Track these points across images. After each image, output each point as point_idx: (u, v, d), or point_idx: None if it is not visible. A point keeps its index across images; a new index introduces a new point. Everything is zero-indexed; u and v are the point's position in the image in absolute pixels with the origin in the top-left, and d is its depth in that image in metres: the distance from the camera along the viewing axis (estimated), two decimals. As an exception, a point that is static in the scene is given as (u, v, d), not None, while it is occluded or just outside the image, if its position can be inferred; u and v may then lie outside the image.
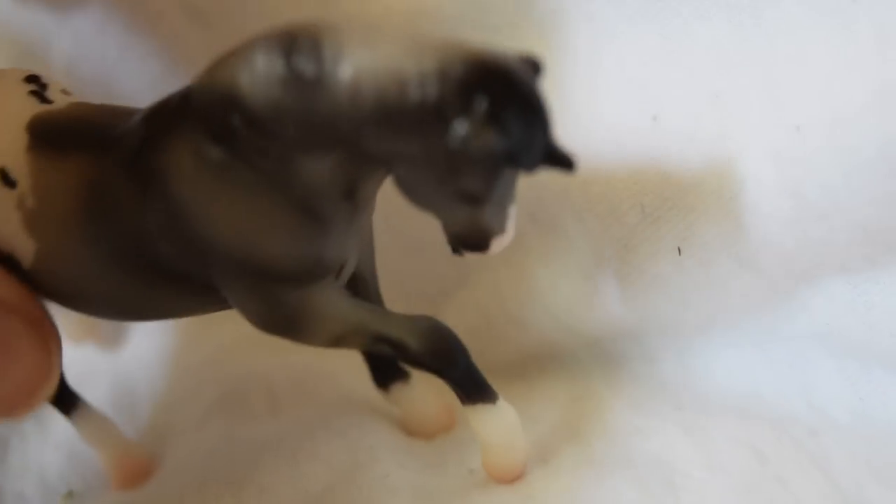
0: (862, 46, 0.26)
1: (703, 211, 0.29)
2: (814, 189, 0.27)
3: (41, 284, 0.26)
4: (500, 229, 0.23)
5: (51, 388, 0.27)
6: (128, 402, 0.37)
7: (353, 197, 0.24)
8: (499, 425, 0.26)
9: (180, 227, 0.23)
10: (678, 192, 0.29)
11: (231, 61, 0.22)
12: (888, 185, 0.26)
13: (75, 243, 0.25)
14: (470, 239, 0.23)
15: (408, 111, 0.20)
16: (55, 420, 0.36)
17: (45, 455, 0.35)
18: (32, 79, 0.28)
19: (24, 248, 0.26)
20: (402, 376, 0.30)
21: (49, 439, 0.35)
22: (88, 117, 0.26)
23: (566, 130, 0.31)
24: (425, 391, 0.31)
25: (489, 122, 0.20)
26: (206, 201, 0.23)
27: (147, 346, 0.39)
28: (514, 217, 0.23)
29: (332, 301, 0.24)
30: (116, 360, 0.39)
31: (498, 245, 0.23)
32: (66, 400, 0.31)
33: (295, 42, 0.21)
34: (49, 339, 0.27)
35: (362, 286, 0.28)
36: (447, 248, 0.33)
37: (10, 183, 0.26)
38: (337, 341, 0.25)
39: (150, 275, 0.25)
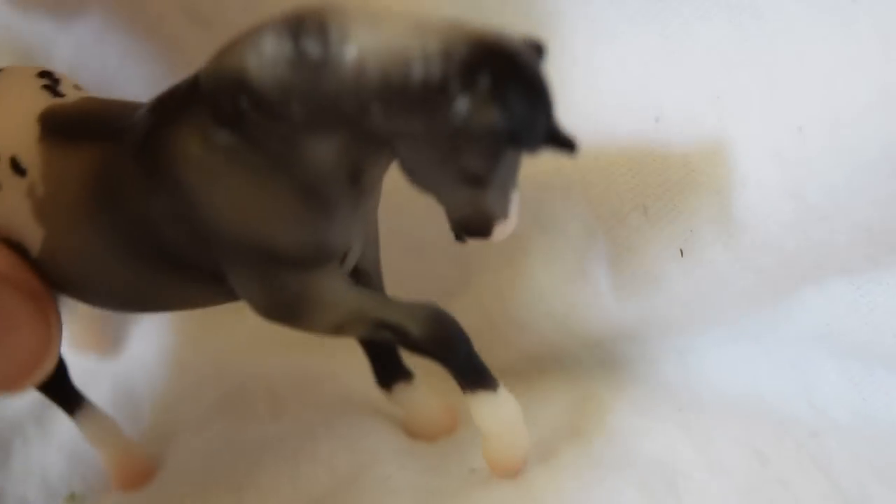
0: (863, 46, 0.26)
1: (705, 212, 0.28)
2: (815, 190, 0.27)
3: (48, 274, 0.27)
4: (503, 214, 0.23)
5: (51, 360, 0.27)
6: (129, 403, 0.37)
7: (358, 182, 0.24)
8: (499, 414, 0.26)
9: (187, 213, 0.24)
10: (680, 193, 0.29)
11: (239, 46, 0.22)
12: (890, 185, 0.26)
13: (83, 231, 0.26)
14: (473, 224, 0.23)
15: (411, 89, 0.20)
16: (57, 423, 0.36)
17: (48, 458, 0.35)
18: (45, 74, 0.28)
19: (33, 235, 0.26)
20: (405, 376, 0.30)
21: (51, 442, 0.35)
22: (99, 109, 0.27)
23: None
24: (428, 392, 0.31)
25: (491, 98, 0.20)
26: (212, 185, 0.23)
27: (148, 348, 0.39)
28: (516, 203, 0.23)
29: (334, 287, 0.25)
30: (118, 362, 0.40)
31: (501, 231, 0.23)
32: (71, 399, 0.32)
33: (302, 24, 0.21)
34: (48, 312, 0.27)
35: (366, 280, 0.28)
36: (449, 250, 0.33)
37: (21, 171, 0.26)
38: (339, 328, 0.25)
39: (156, 263, 0.25)
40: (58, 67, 0.30)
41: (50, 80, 0.28)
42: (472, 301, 0.33)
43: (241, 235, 0.23)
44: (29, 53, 0.37)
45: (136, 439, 0.33)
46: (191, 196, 0.23)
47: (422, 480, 0.29)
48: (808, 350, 0.31)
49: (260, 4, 0.31)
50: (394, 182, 0.30)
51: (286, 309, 0.25)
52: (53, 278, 0.27)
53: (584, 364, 0.33)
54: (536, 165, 0.31)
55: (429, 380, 0.31)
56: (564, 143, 0.21)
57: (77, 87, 0.29)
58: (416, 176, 0.23)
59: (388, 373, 0.30)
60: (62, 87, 0.28)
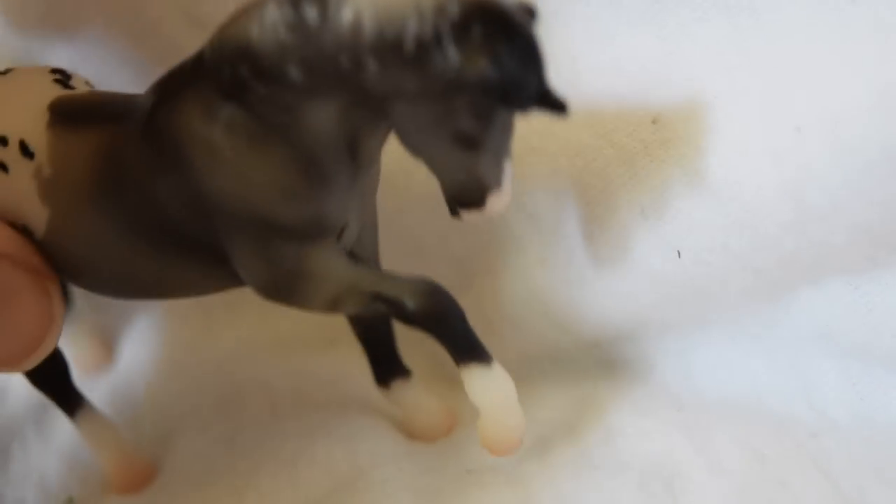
0: (862, 46, 0.26)
1: (703, 212, 0.28)
2: (813, 190, 0.27)
3: (52, 257, 0.27)
4: (497, 183, 0.23)
5: (53, 338, 0.27)
6: (128, 407, 0.37)
7: (356, 153, 0.24)
8: (493, 388, 0.25)
9: (189, 187, 0.24)
10: (677, 193, 0.29)
11: (242, 18, 0.23)
12: (889, 186, 0.26)
13: (87, 210, 0.26)
14: (466, 193, 0.23)
15: (406, 45, 0.21)
16: (56, 427, 0.36)
17: (46, 462, 0.35)
18: (57, 71, 0.29)
19: (38, 216, 0.27)
20: (404, 373, 0.30)
21: (50, 446, 0.35)
22: (107, 99, 0.28)
23: (565, 132, 0.31)
24: (426, 391, 0.31)
25: (482, 50, 0.20)
26: (213, 157, 0.24)
27: (146, 350, 0.39)
28: (510, 175, 0.23)
29: (331, 260, 0.25)
30: (116, 365, 0.39)
31: (494, 202, 0.23)
32: (72, 399, 0.32)
33: None
34: (50, 289, 0.27)
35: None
36: (448, 252, 0.33)
37: (29, 154, 0.26)
38: (335, 302, 0.25)
39: (159, 243, 0.26)
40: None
41: (61, 76, 0.29)
42: (471, 302, 0.33)
43: (241, 207, 0.24)
44: (28, 57, 0.37)
45: (134, 442, 0.33)
46: (193, 170, 0.24)
47: (420, 482, 0.29)
48: (807, 350, 0.31)
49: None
50: (394, 183, 0.30)
51: (285, 283, 0.25)
52: (57, 262, 0.27)
53: (583, 364, 0.33)
54: (533, 166, 0.31)
55: (426, 382, 0.31)
56: (556, 105, 0.21)
57: (88, 83, 0.30)
58: (411, 140, 0.23)
59: (387, 370, 0.30)
60: (73, 83, 0.29)
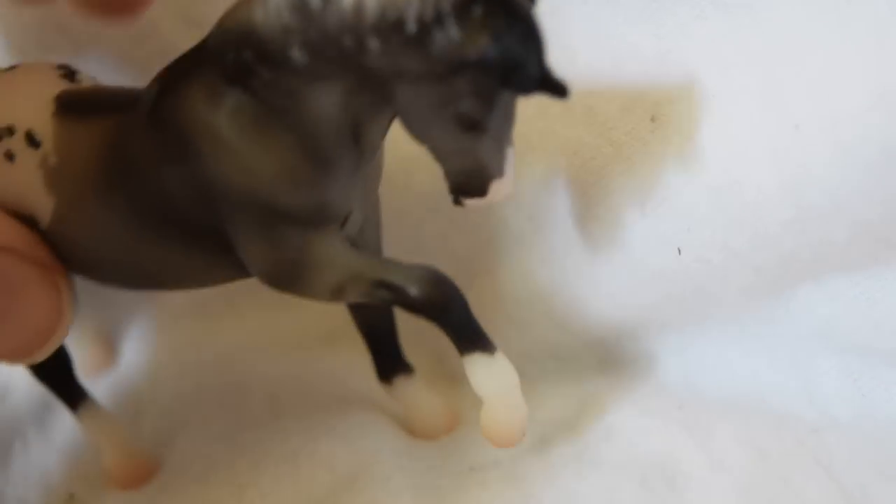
0: (859, 45, 0.26)
1: (703, 210, 0.29)
2: (813, 188, 0.27)
3: (57, 247, 0.27)
4: (499, 171, 0.23)
5: (63, 329, 0.28)
6: (129, 404, 0.37)
7: (359, 140, 0.24)
8: (496, 376, 0.25)
9: (194, 174, 0.24)
10: (677, 192, 0.29)
11: (245, 3, 0.23)
12: (888, 183, 0.26)
13: (92, 199, 0.26)
14: (469, 181, 0.23)
15: (407, 24, 0.21)
16: (57, 425, 0.36)
17: (48, 460, 0.35)
18: (63, 66, 0.30)
19: (44, 206, 0.27)
20: (406, 370, 0.31)
21: (51, 443, 0.35)
22: (113, 90, 0.28)
23: (564, 130, 0.31)
24: (428, 388, 0.31)
25: (482, 27, 0.20)
26: (218, 143, 0.24)
27: (147, 348, 0.39)
28: (512, 163, 0.23)
29: (335, 247, 0.25)
30: (117, 362, 0.40)
31: (497, 190, 0.23)
32: (75, 394, 0.32)
33: None
34: (58, 280, 0.27)
35: None
36: (448, 252, 0.33)
37: (35, 143, 0.27)
38: (338, 290, 0.25)
39: (164, 231, 0.26)
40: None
41: (67, 71, 0.29)
42: (471, 301, 0.33)
43: (246, 192, 0.24)
44: (28, 58, 0.37)
45: (136, 439, 0.33)
46: (198, 156, 0.24)
47: (421, 479, 0.29)
48: (807, 347, 0.31)
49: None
50: (394, 182, 0.30)
51: (288, 270, 0.25)
52: (62, 252, 0.28)
53: (583, 363, 0.33)
54: (532, 165, 0.31)
55: (428, 380, 0.31)
56: (556, 88, 0.21)
57: (93, 80, 0.30)
58: (414, 124, 0.23)
59: (389, 365, 0.30)
60: (79, 77, 0.29)
